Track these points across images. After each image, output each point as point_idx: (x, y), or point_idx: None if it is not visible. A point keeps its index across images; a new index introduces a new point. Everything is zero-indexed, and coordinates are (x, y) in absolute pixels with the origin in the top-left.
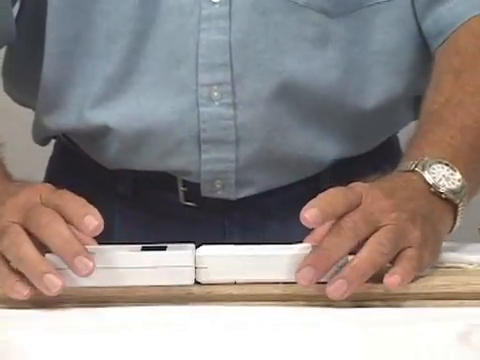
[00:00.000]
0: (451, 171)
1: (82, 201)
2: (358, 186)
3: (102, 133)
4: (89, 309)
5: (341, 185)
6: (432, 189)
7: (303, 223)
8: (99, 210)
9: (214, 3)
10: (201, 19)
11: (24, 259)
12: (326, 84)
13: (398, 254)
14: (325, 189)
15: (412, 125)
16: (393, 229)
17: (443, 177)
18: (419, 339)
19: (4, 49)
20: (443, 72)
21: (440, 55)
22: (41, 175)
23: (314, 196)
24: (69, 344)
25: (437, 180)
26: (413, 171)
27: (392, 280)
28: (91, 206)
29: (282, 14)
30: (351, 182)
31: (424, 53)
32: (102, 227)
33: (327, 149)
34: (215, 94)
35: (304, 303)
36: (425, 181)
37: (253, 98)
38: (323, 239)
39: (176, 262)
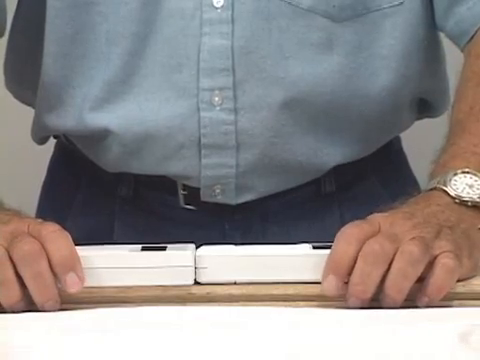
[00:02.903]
0: (475, 178)
1: (67, 244)
2: (375, 216)
3: (102, 136)
4: (89, 309)
5: (342, 188)
6: (457, 201)
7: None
8: (99, 212)
9: (216, 8)
10: (203, 23)
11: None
12: (330, 90)
13: (432, 264)
14: (326, 193)
15: (415, 125)
16: (419, 238)
17: (466, 186)
18: (419, 339)
19: (6, 46)
20: (466, 78)
21: (465, 58)
22: (42, 174)
23: (315, 199)
24: (69, 344)
25: (460, 190)
26: (435, 189)
27: (429, 291)
28: (76, 254)
29: (286, 19)
30: (352, 185)
31: (431, 57)
32: (82, 286)
33: (330, 155)
34: (216, 99)
35: (304, 303)
36: (449, 195)
37: (255, 104)
38: (353, 272)
39: (176, 262)
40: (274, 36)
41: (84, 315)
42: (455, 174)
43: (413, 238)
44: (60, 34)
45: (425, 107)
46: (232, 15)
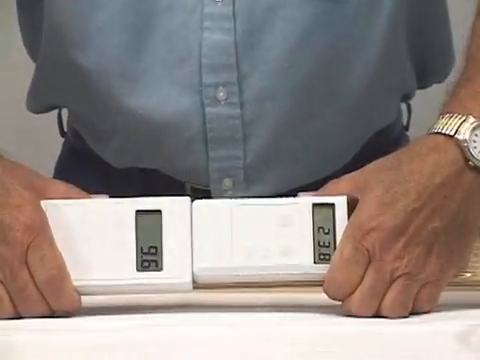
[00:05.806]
0: None
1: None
2: (361, 222)
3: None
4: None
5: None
6: (471, 163)
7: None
8: None
9: (216, 1)
10: (204, 17)
11: None
12: (333, 75)
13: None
14: None
15: (423, 120)
16: (404, 280)
17: None
18: (418, 339)
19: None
20: None
21: None
22: (50, 175)
23: None
24: (69, 345)
25: (478, 151)
26: (444, 135)
27: None
28: (62, 280)
29: (289, 8)
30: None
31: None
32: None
33: (334, 139)
34: (221, 94)
35: (304, 306)
36: (461, 151)
37: (260, 96)
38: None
39: (173, 280)
40: (277, 27)
41: (84, 316)
42: (477, 126)
43: (399, 277)
44: (54, 22)
45: (429, 70)
46: (233, 10)
